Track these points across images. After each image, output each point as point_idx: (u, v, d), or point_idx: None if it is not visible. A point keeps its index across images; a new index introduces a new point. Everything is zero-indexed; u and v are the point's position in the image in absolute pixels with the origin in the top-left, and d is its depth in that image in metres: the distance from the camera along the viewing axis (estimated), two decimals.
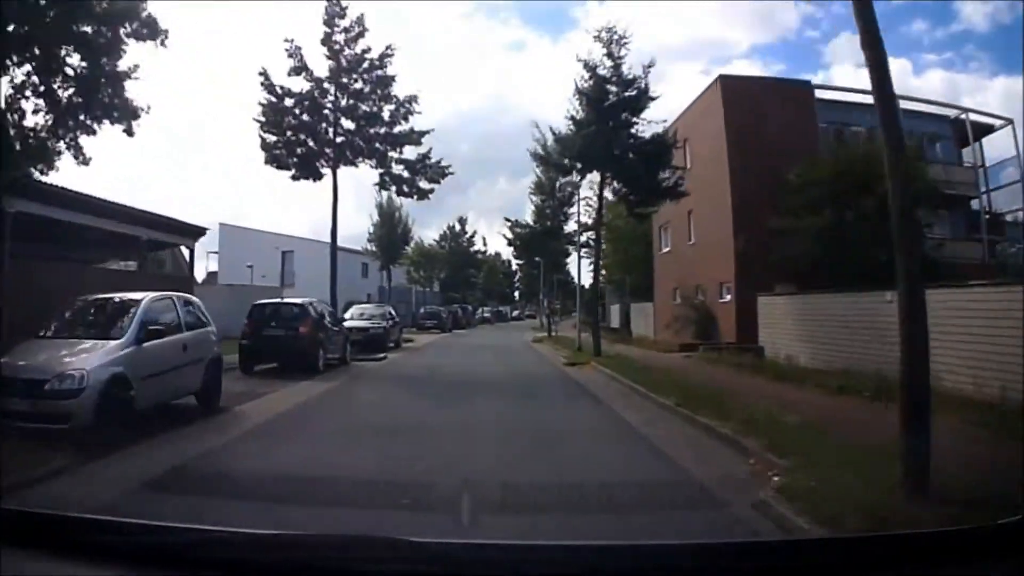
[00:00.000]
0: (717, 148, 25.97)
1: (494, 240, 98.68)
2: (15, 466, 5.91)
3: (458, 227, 62.29)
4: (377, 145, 20.52)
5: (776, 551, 2.37)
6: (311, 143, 20.80)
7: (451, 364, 19.64)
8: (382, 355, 20.98)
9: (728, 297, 25.46)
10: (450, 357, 22.89)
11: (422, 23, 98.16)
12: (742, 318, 23.28)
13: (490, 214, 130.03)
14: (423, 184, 20.86)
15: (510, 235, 36.68)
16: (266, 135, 20.87)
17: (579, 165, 19.82)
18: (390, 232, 39.95)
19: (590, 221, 35.09)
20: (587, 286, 33.43)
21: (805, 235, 20.39)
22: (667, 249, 32.61)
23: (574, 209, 35.84)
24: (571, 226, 36.63)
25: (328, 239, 20.27)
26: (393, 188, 21.09)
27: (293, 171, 20.85)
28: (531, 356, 24.63)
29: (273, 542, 2.18)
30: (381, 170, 20.82)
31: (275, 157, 20.86)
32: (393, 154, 20.70)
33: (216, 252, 55.53)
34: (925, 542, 2.33)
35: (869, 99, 6.00)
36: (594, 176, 20.44)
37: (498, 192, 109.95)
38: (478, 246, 64.53)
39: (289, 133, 20.75)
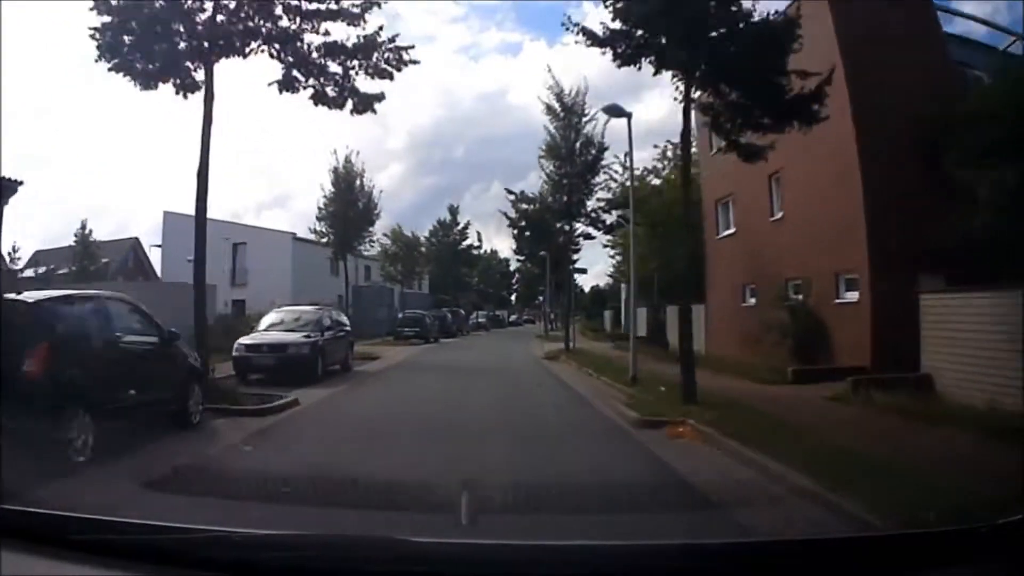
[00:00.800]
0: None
1: (490, 244, 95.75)
2: None
3: (449, 218, 52.93)
4: (282, 18, 11.31)
5: (774, 551, 2.22)
6: (174, 26, 11.75)
7: (407, 425, 9.98)
8: (290, 397, 11.65)
9: (852, 295, 16.86)
10: (416, 397, 13.64)
11: (416, 25, 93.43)
12: (884, 328, 15.11)
13: (484, 219, 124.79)
14: (363, 83, 11.49)
15: (513, 214, 27.46)
16: (99, 17, 11.89)
17: (651, 41, 10.53)
18: (348, 207, 29.38)
19: (628, 181, 26.01)
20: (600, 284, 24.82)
21: (993, 193, 13.16)
22: (729, 231, 23.87)
23: (600, 180, 26.88)
24: (593, 204, 27.49)
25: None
26: (309, 90, 11.69)
27: (143, 74, 11.80)
28: (557, 394, 14.51)
29: (273, 542, 2.15)
30: (291, 60, 11.49)
31: (113, 52, 11.88)
32: (312, 37, 11.51)
33: (159, 245, 48.20)
34: (925, 542, 2.23)
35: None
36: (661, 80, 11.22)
37: (493, 196, 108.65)
38: (472, 240, 55.35)
39: (136, 11, 11.72)
